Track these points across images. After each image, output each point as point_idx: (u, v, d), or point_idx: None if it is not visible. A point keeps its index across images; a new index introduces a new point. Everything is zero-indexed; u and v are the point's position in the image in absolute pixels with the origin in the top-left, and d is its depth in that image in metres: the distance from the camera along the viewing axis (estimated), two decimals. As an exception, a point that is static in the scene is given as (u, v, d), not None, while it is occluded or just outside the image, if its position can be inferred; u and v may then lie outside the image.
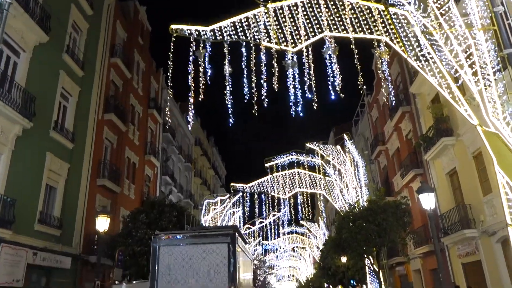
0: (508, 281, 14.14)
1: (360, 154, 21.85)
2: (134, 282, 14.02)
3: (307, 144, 21.87)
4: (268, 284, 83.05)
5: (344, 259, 25.01)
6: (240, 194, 30.75)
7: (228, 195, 32.66)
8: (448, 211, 17.41)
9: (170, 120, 34.06)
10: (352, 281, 28.74)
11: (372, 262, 18.29)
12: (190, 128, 10.07)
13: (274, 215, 32.65)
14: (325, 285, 38.82)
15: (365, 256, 18.16)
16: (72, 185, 18.33)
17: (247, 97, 7.98)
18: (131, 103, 25.91)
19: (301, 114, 7.94)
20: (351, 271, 26.08)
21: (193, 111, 8.20)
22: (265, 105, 7.97)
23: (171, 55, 8.43)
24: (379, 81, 28.98)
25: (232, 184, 21.81)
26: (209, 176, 51.23)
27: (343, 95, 8.15)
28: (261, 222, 34.36)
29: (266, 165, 21.65)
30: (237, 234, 12.67)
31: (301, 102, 7.90)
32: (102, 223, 12.84)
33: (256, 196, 22.52)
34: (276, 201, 23.16)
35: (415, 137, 22.00)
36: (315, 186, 21.73)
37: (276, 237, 38.14)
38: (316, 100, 8.11)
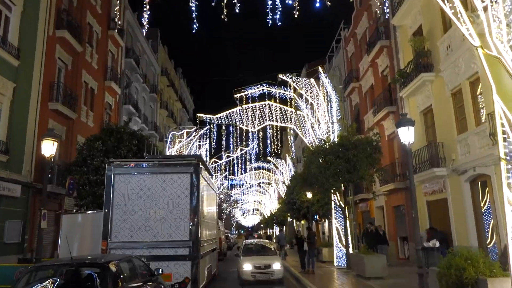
0: (472, 219, 14.18)
1: (334, 88, 20.88)
2: (88, 212, 13.05)
3: (280, 76, 20.62)
4: (233, 218, 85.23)
5: (309, 195, 25.00)
6: (208, 127, 29.68)
7: (195, 128, 31.55)
8: (419, 149, 17.05)
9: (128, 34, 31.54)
10: (315, 216, 29.21)
11: (339, 198, 18.08)
12: (144, 32, 8.54)
13: (241, 150, 32.03)
14: (289, 219, 39.68)
15: (332, 191, 17.87)
16: (19, 107, 16.54)
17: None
18: (88, 21, 23.35)
19: (279, 23, 6.65)
20: (316, 206, 26.27)
21: (148, 13, 6.70)
22: (237, 10, 6.60)
23: None
24: (358, 13, 27.45)
25: (198, 114, 20.54)
26: (176, 108, 49.45)
27: (329, 3, 6.85)
28: (228, 157, 33.75)
29: (235, 96, 20.39)
30: (201, 165, 11.72)
31: (279, 8, 6.57)
32: (48, 147, 11.50)
33: (224, 129, 21.47)
34: (244, 134, 22.24)
35: (392, 74, 21.15)
36: (285, 120, 20.85)
37: (243, 172, 37.86)
38: (298, 7, 6.79)
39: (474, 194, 14.47)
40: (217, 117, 20.23)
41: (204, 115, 20.51)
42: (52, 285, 6.05)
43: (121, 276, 6.41)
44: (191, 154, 30.87)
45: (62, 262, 6.42)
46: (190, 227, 10.85)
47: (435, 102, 16.65)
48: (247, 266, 13.94)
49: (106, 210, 10.83)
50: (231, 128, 22.33)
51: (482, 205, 14.15)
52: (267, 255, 15.07)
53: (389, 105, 21.17)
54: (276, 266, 13.98)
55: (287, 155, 42.65)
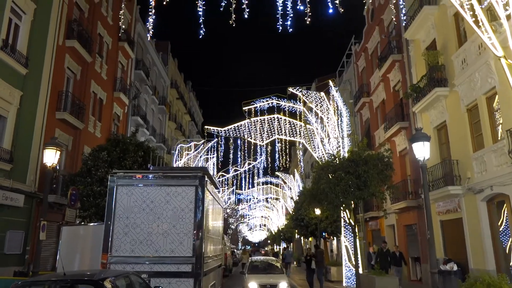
0: (489, 241, 13.52)
1: (344, 102, 20.49)
2: (90, 224, 12.68)
3: (290, 89, 20.27)
4: (240, 233, 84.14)
5: (318, 211, 24.42)
6: (215, 140, 29.39)
7: (203, 141, 31.26)
8: (432, 166, 16.49)
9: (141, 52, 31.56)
10: (323, 233, 28.54)
11: (349, 215, 17.50)
12: (149, 37, 8.24)
13: (249, 164, 31.59)
14: (297, 235, 38.93)
15: (342, 209, 17.30)
16: (26, 116, 16.40)
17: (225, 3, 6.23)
18: (98, 32, 23.39)
19: (290, 30, 6.31)
20: (324, 223, 25.66)
21: (153, 17, 6.42)
22: (246, 15, 6.28)
23: None
24: (370, 28, 27.21)
25: (206, 126, 20.22)
26: (185, 121, 49.41)
27: (342, 10, 6.51)
28: (235, 170, 33.30)
29: (244, 108, 20.08)
30: (206, 177, 11.32)
31: (291, 14, 6.24)
32: (50, 156, 11.20)
33: (231, 142, 21.09)
34: (252, 148, 21.83)
35: (404, 89, 20.73)
36: (294, 134, 20.44)
37: (250, 186, 37.33)
38: (310, 13, 6.46)
39: (491, 214, 13.84)
40: (224, 130, 19.89)
41: (211, 127, 20.19)
42: (45, 301, 5.66)
43: (117, 294, 5.99)
44: (197, 166, 30.45)
45: (55, 278, 6.02)
46: (193, 242, 10.41)
47: (450, 117, 16.15)
48: (253, 285, 13.38)
49: (108, 223, 10.46)
50: (239, 141, 21.92)
51: (499, 225, 13.51)
52: (273, 274, 14.51)
53: (401, 120, 20.69)
54: (283, 285, 13.41)
55: (295, 170, 42.11)
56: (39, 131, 17.17)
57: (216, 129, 20.20)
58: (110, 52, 25.42)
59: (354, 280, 17.12)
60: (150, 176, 10.97)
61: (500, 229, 13.39)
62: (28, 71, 16.38)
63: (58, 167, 19.31)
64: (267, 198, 54.12)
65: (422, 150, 9.81)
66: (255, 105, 20.06)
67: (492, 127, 13.43)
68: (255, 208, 61.68)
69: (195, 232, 10.46)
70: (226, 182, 35.24)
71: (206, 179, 11.01)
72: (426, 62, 17.22)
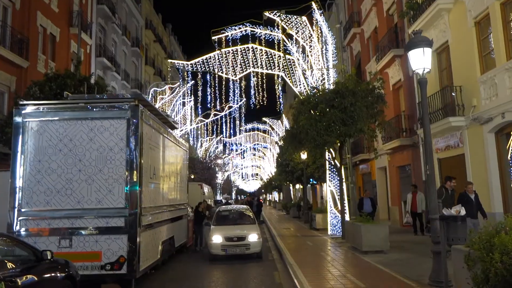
0: (497, 179, 11.42)
1: (330, 28, 17.63)
2: None
3: (266, 14, 17.32)
4: (233, 183, 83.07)
5: (304, 156, 22.27)
6: (193, 82, 26.64)
7: (178, 83, 28.49)
8: (430, 96, 14.00)
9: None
10: (311, 180, 26.66)
11: (334, 156, 15.29)
12: None
13: (230, 107, 29.01)
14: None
15: (326, 149, 15.03)
16: None
17: None
18: (40, -49, 19.85)
19: None
20: (311, 168, 23.59)
21: None
22: None
23: None
24: None
25: (169, 60, 17.43)
26: (166, 67, 46.00)
27: None
28: (215, 115, 30.76)
29: (213, 38, 17.22)
30: (143, 107, 8.85)
31: None
32: None
33: (199, 77, 18.28)
34: (224, 84, 19.11)
35: (399, 10, 17.83)
36: (272, 67, 17.73)
37: (232, 133, 34.86)
38: None
39: (499, 148, 11.63)
40: (191, 63, 17.08)
41: (176, 61, 17.39)
42: None
43: None
44: (176, 115, 27.82)
45: None
46: (127, 190, 8.13)
47: (453, 36, 13.49)
48: (217, 238, 11.35)
49: (13, 169, 8.12)
50: (215, 80, 19.14)
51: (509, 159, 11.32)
52: (243, 224, 12.45)
53: (395, 47, 17.97)
54: (253, 237, 11.38)
55: (283, 115, 39.65)
56: (-35, 68, 14.40)
57: (182, 63, 17.41)
58: (61, -21, 21.92)
59: (340, 228, 15.24)
60: (68, 107, 8.48)
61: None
62: None
63: (-4, 111, 16.75)
64: (254, 147, 52.03)
65: (422, 60, 7.27)
66: (226, 34, 17.19)
67: (506, 41, 10.85)
68: (243, 158, 59.86)
69: (128, 177, 8.16)
70: (206, 129, 32.81)
71: (142, 108, 8.53)
72: (426, -30, 14.25)
